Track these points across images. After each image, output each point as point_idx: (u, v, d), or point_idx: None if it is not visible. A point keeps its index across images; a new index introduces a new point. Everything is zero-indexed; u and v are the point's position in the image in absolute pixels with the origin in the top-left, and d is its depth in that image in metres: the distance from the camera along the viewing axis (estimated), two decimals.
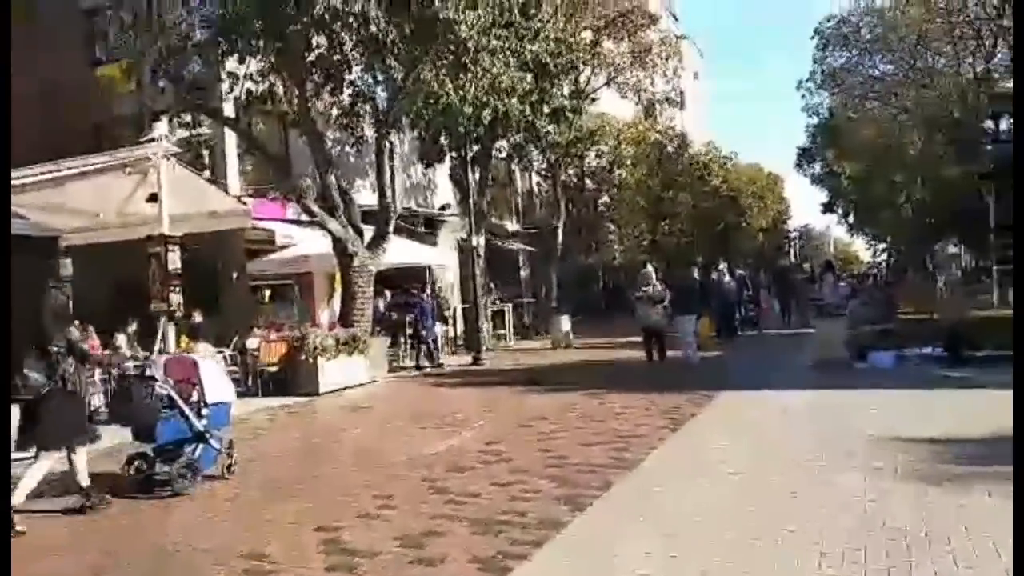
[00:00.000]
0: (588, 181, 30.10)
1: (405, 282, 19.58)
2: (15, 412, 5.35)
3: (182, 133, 13.39)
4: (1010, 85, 22.80)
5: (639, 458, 6.31)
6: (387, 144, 14.23)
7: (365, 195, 17.30)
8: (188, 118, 13.98)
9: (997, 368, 10.64)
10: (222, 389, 6.56)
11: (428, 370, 14.31)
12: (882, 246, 56.89)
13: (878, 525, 4.33)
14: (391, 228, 14.43)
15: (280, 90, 13.48)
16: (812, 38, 28.77)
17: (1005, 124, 25.86)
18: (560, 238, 24.48)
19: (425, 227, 22.79)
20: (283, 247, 16.38)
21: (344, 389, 11.63)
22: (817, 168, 43.60)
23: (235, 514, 5.54)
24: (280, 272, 17.04)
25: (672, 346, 12.53)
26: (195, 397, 6.16)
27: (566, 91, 18.56)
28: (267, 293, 17.84)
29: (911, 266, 40.94)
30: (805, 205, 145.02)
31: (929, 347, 11.79)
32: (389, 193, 14.36)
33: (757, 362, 13.23)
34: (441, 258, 20.24)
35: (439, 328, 15.60)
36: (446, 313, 17.99)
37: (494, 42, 12.86)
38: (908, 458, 5.84)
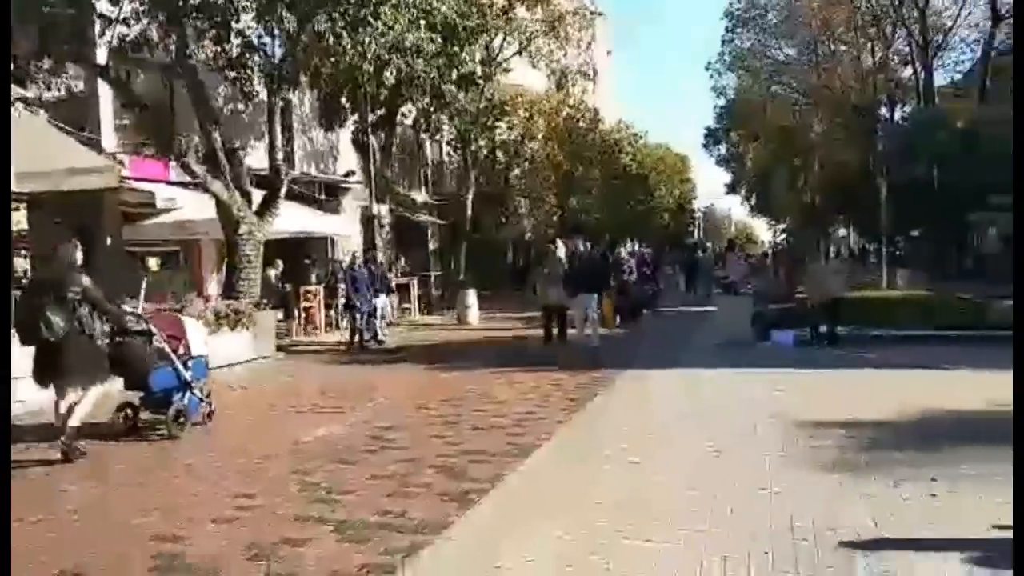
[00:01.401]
0: (499, 153, 29.52)
1: (304, 251, 18.54)
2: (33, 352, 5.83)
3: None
4: (906, 73, 23.77)
5: (536, 444, 5.84)
6: (279, 101, 13.14)
7: (260, 158, 16.09)
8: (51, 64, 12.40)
9: (887, 347, 10.96)
10: (202, 344, 7.33)
11: (372, 346, 13.25)
12: (781, 227, 59.21)
13: (784, 524, 3.99)
14: (283, 193, 13.38)
15: (155, 36, 12.12)
16: (722, 19, 29.11)
17: (899, 111, 27.06)
18: (469, 211, 23.82)
19: (327, 194, 21.61)
20: (165, 211, 14.98)
21: (225, 367, 10.64)
22: (723, 149, 44.70)
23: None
24: (166, 238, 15.63)
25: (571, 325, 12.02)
26: (181, 350, 6.80)
27: (477, 57, 17.79)
28: (153, 262, 16.38)
29: (807, 247, 42.63)
30: (710, 185, 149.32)
31: (823, 326, 11.92)
32: (281, 155, 13.30)
33: (662, 341, 13.09)
34: (344, 227, 19.19)
35: (382, 300, 14.08)
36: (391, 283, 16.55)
37: None
38: (812, 443, 5.62)
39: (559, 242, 11.66)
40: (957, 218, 21.06)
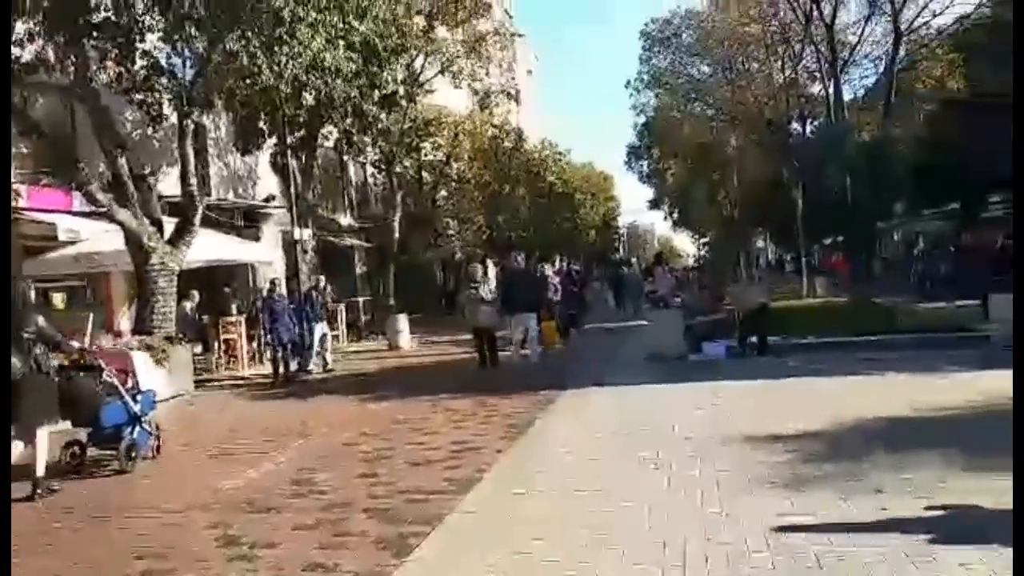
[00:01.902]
0: (426, 174, 29.24)
1: (224, 281, 17.72)
2: None
3: None
4: (815, 89, 24.81)
5: (476, 477, 5.55)
6: (190, 124, 12.51)
7: (174, 184, 15.30)
8: None
9: (815, 355, 11.16)
10: (150, 379, 7.57)
11: (300, 378, 12.64)
12: (703, 240, 60.87)
13: (739, 550, 3.84)
14: (197, 220, 12.71)
15: (52, 57, 11.36)
16: (639, 39, 29.76)
17: (810, 126, 28.19)
18: (396, 233, 23.38)
19: (247, 220, 20.82)
20: (68, 243, 14.01)
21: None
22: (645, 166, 45.62)
23: None
24: (70, 272, 14.61)
25: (506, 347, 11.68)
26: (129, 383, 6.94)
27: (398, 77, 17.50)
28: (59, 297, 15.27)
29: (728, 260, 43.88)
30: (634, 202, 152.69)
31: (751, 336, 12.08)
32: (194, 180, 12.64)
33: (596, 358, 12.99)
34: (266, 254, 18.46)
35: (319, 329, 13.44)
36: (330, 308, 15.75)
37: (313, 14, 11.59)
38: (757, 458, 5.54)
39: (487, 261, 11.37)
40: (866, 227, 22.00)
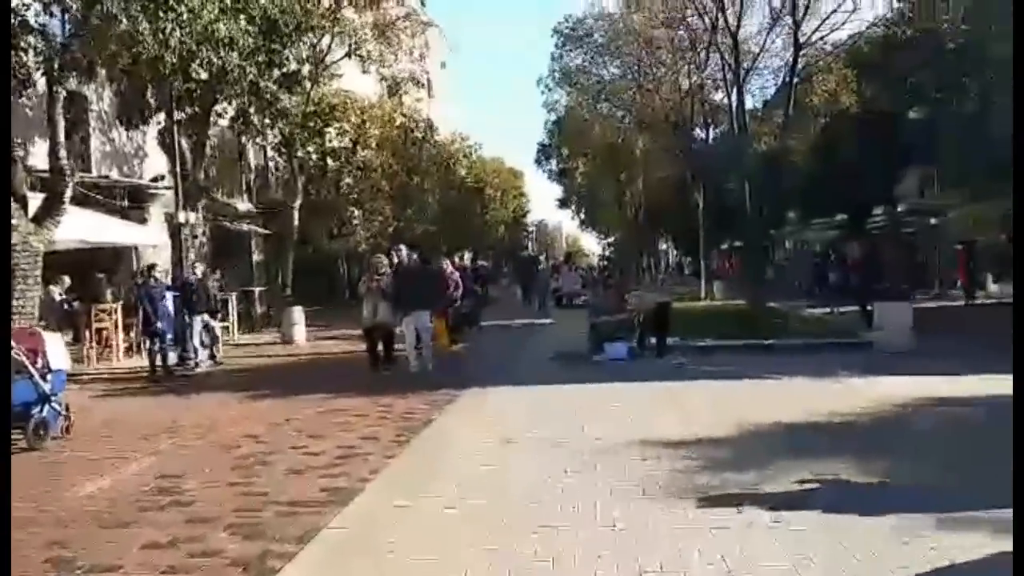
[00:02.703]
0: (331, 160, 28.17)
1: (106, 265, 16.36)
2: None
3: None
4: (719, 96, 25.46)
5: (359, 487, 5.12)
6: (62, 92, 11.34)
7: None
8: None
9: (713, 357, 11.31)
10: (61, 358, 7.35)
11: (181, 372, 11.60)
12: (609, 241, 62.01)
13: (632, 570, 3.60)
14: (67, 197, 11.54)
15: None
16: (552, 36, 29.70)
17: (713, 133, 28.96)
18: (296, 220, 22.32)
19: (132, 201, 19.36)
20: None
21: None
22: (554, 165, 45.88)
23: None
24: None
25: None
26: (40, 363, 6.88)
27: (302, 56, 16.64)
28: None
29: (631, 260, 44.79)
30: (544, 200, 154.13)
31: (651, 337, 12.12)
32: (64, 153, 11.47)
33: (499, 356, 12.74)
34: (150, 237, 17.16)
35: (199, 321, 12.23)
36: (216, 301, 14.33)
37: None
38: (655, 467, 5.37)
39: (382, 256, 10.47)
40: (761, 235, 22.81)
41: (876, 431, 6.34)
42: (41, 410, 6.75)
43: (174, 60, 11.52)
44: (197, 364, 12.09)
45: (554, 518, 4.36)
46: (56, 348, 7.34)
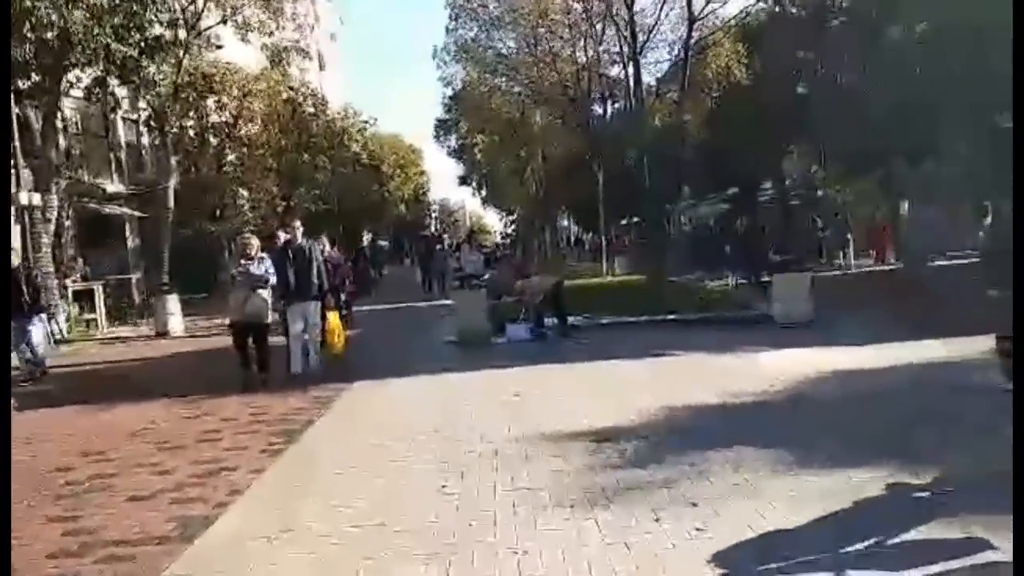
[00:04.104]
0: (212, 137, 26.17)
1: None
2: None
3: None
4: (615, 71, 25.32)
5: (212, 515, 4.30)
6: None
7: None
8: None
9: (615, 334, 10.98)
10: None
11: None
12: (511, 218, 61.64)
13: None
14: None
15: None
16: (445, 7, 28.64)
17: (611, 108, 28.85)
18: (172, 201, 20.53)
19: None
20: None
21: None
22: (453, 141, 44.86)
23: None
24: None
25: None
26: None
27: (164, 19, 15.04)
28: None
29: (534, 237, 44.57)
30: (444, 177, 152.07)
31: (550, 318, 11.67)
32: None
33: (395, 342, 11.98)
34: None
35: (38, 328, 10.09)
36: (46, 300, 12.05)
37: None
38: (559, 466, 4.81)
39: (251, 236, 8.69)
40: (658, 209, 22.94)
41: (784, 413, 6.06)
42: None
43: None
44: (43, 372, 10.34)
45: (447, 540, 3.73)
46: None
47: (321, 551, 3.72)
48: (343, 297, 12.30)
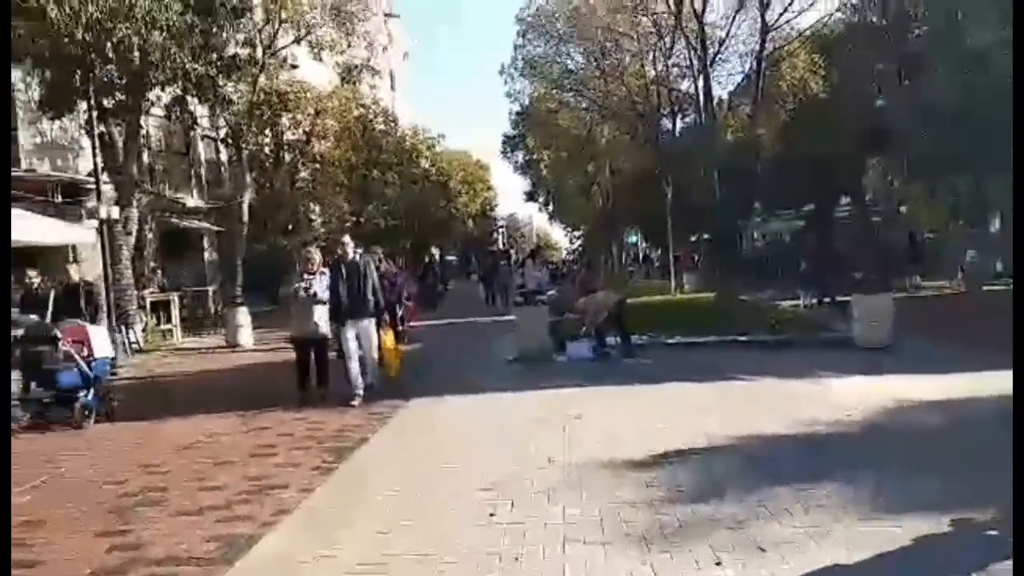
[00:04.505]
0: (286, 154, 26.92)
1: (40, 269, 15.07)
2: None
3: None
4: (685, 85, 24.84)
5: (257, 534, 4.19)
6: None
7: None
8: None
9: (683, 356, 10.56)
10: (104, 347, 8.08)
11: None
12: (577, 233, 61.29)
13: None
14: None
15: None
16: (514, 24, 28.80)
17: (680, 123, 28.32)
18: (246, 216, 21.13)
19: (66, 197, 18.10)
20: None
21: None
22: (520, 157, 44.97)
23: None
24: None
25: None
26: (85, 352, 7.62)
27: (241, 38, 15.51)
28: None
29: (601, 253, 44.13)
30: (512, 194, 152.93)
31: (612, 336, 11.32)
32: None
33: (454, 359, 11.88)
34: (71, 235, 15.86)
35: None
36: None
37: None
38: (616, 497, 4.52)
39: (314, 250, 8.53)
40: (729, 225, 22.29)
41: (861, 443, 5.59)
42: (87, 395, 7.55)
43: (88, 37, 10.40)
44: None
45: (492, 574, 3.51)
46: (100, 338, 8.07)
47: None
48: (399, 314, 12.24)
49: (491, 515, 4.37)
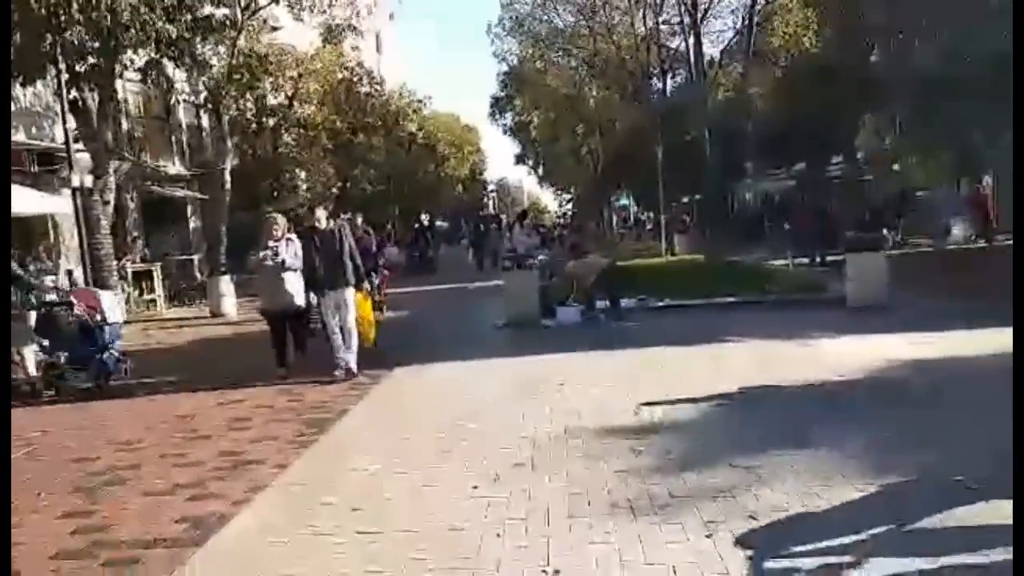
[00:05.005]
0: (269, 119, 26.30)
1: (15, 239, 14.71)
2: None
3: None
4: (676, 43, 24.30)
5: (228, 513, 4.02)
6: None
7: None
8: None
9: (673, 319, 10.40)
10: (116, 312, 8.35)
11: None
12: (568, 196, 60.79)
13: None
14: None
15: None
16: None
17: (671, 82, 27.80)
18: (228, 183, 20.67)
19: (43, 166, 17.66)
20: None
21: None
22: (509, 119, 44.26)
23: None
24: None
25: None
26: (98, 317, 7.89)
27: None
28: None
29: (592, 216, 43.74)
30: (502, 158, 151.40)
31: (601, 301, 11.14)
32: None
33: (441, 325, 11.68)
34: (45, 205, 15.50)
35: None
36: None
37: None
38: (598, 468, 4.37)
39: (278, 216, 7.99)
40: (720, 186, 22.01)
41: (853, 406, 5.45)
42: (101, 356, 7.77)
43: None
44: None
45: (470, 553, 3.35)
46: (111, 304, 8.31)
47: (333, 560, 3.38)
48: (376, 282, 11.95)
49: (474, 488, 4.21)
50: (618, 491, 4.00)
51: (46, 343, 7.79)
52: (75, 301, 7.94)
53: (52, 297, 8.39)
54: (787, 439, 4.65)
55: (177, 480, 4.62)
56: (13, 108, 17.43)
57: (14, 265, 7.79)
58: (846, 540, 3.22)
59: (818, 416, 5.21)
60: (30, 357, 7.89)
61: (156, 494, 4.41)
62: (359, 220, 13.40)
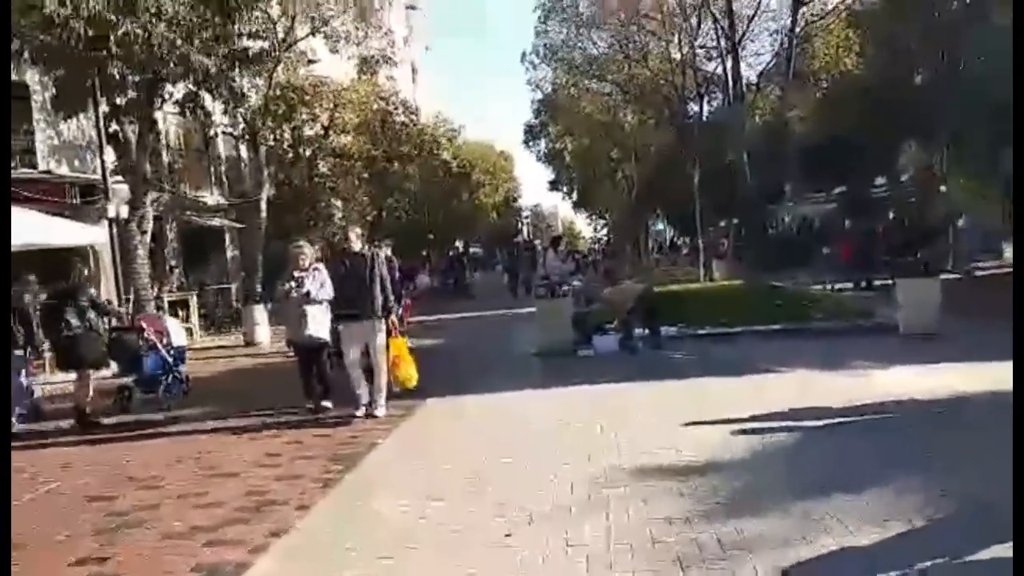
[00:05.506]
0: (305, 149, 26.63)
1: (52, 270, 14.95)
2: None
3: None
4: (711, 67, 24.03)
5: (244, 562, 3.78)
6: None
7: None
8: None
9: (715, 347, 10.00)
10: (180, 336, 8.93)
11: None
12: (602, 222, 60.47)
13: None
14: None
15: None
16: (534, 11, 28.15)
17: (708, 107, 27.46)
18: (264, 212, 20.88)
19: (84, 197, 18.01)
20: None
21: None
22: (543, 145, 44.26)
23: None
24: None
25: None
26: (165, 341, 8.38)
27: (253, 31, 15.15)
28: None
29: (627, 242, 43.33)
30: (535, 183, 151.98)
31: (640, 328, 10.78)
32: None
33: (473, 354, 11.44)
34: (84, 236, 15.65)
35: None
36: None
37: None
38: (641, 514, 4.04)
39: (304, 244, 7.55)
40: (760, 209, 21.54)
41: (911, 443, 5.03)
42: (167, 378, 8.23)
43: (90, 31, 10.08)
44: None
45: None
46: (176, 329, 8.88)
47: None
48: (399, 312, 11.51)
49: (507, 535, 3.91)
50: (664, 539, 3.67)
51: (115, 366, 8.40)
52: (144, 326, 8.40)
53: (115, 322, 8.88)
54: (845, 480, 4.27)
55: (196, 522, 4.40)
56: (57, 142, 17.95)
57: (91, 290, 8.26)
58: None
59: (876, 454, 4.81)
60: (88, 383, 7.86)
61: (175, 537, 4.20)
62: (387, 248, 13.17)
